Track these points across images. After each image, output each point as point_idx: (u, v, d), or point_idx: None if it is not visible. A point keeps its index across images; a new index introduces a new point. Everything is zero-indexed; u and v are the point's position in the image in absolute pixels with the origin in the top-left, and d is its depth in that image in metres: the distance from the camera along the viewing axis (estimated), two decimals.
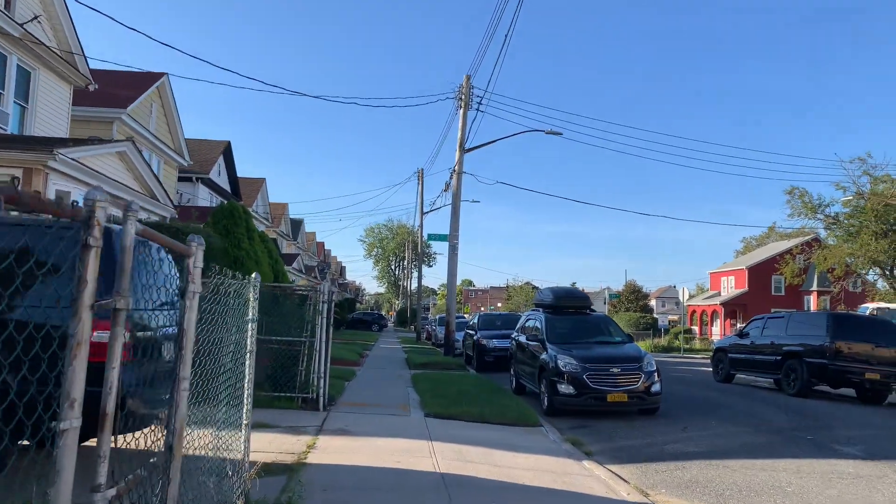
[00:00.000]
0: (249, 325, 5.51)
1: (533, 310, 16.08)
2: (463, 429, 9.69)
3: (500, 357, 21.23)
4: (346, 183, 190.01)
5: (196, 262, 3.11)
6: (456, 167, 23.30)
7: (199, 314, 5.79)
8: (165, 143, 25.02)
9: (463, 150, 23.23)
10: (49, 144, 11.98)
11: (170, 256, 6.35)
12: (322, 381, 10.39)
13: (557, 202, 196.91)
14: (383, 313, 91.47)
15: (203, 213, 22.73)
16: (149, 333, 5.77)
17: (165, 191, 17.85)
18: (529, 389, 14.96)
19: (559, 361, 12.37)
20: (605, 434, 10.56)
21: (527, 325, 15.50)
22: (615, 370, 12.09)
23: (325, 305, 10.53)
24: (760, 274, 63.67)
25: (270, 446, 7.61)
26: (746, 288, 63.87)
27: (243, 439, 5.40)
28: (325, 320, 10.50)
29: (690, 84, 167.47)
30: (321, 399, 10.34)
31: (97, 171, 13.60)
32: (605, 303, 68.07)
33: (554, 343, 13.27)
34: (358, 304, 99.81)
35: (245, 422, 5.46)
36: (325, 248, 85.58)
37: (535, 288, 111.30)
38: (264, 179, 43.15)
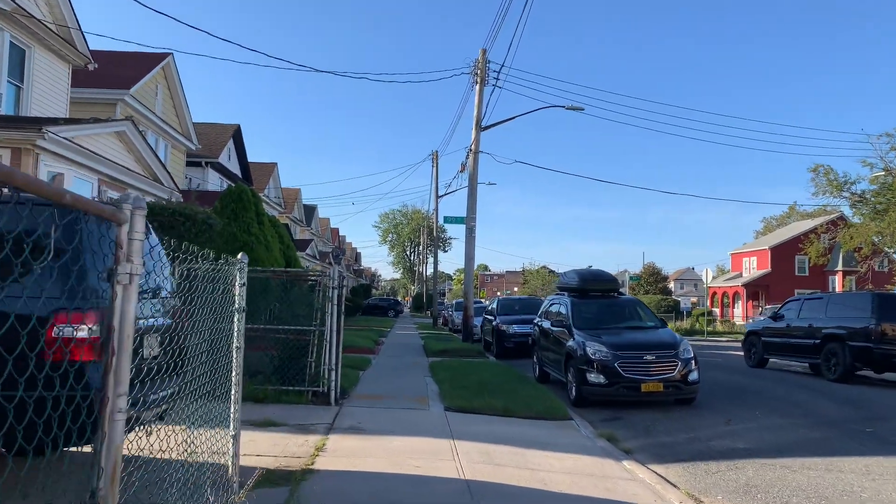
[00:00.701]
0: (235, 315, 4.67)
1: (556, 294, 15.19)
2: (487, 424, 8.86)
3: (521, 343, 20.40)
4: (359, 168, 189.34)
5: (133, 232, 2.22)
6: (472, 146, 22.35)
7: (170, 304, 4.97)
8: (172, 127, 24.28)
9: (479, 128, 22.26)
10: (39, 123, 11.21)
11: (159, 243, 5.55)
12: (333, 372, 9.59)
13: (573, 185, 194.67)
14: (399, 299, 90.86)
15: (212, 198, 21.97)
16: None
17: (170, 174, 17.10)
18: (554, 378, 14.12)
19: (588, 349, 11.49)
20: (641, 428, 9.69)
21: (550, 309, 14.62)
22: (649, 357, 11.20)
23: (336, 292, 9.71)
24: (783, 254, 62.18)
25: (275, 449, 6.82)
26: (769, 269, 62.45)
27: (231, 452, 4.59)
28: (335, 307, 9.68)
29: (712, 58, 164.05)
30: (332, 392, 9.56)
31: (94, 152, 12.84)
32: (625, 285, 66.97)
33: (581, 329, 12.39)
34: (374, 291, 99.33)
35: (233, 431, 4.64)
36: (340, 234, 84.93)
37: (551, 272, 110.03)
38: (276, 164, 42.41)
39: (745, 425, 9.74)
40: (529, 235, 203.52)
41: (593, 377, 11.25)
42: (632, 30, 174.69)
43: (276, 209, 42.85)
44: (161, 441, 3.94)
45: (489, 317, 22.98)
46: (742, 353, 20.01)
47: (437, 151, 42.72)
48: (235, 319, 4.72)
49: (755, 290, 63.67)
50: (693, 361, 11.45)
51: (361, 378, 12.81)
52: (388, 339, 26.91)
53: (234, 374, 4.68)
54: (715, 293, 68.01)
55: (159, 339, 5.71)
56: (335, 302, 9.68)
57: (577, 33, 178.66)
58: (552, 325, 13.43)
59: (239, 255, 4.85)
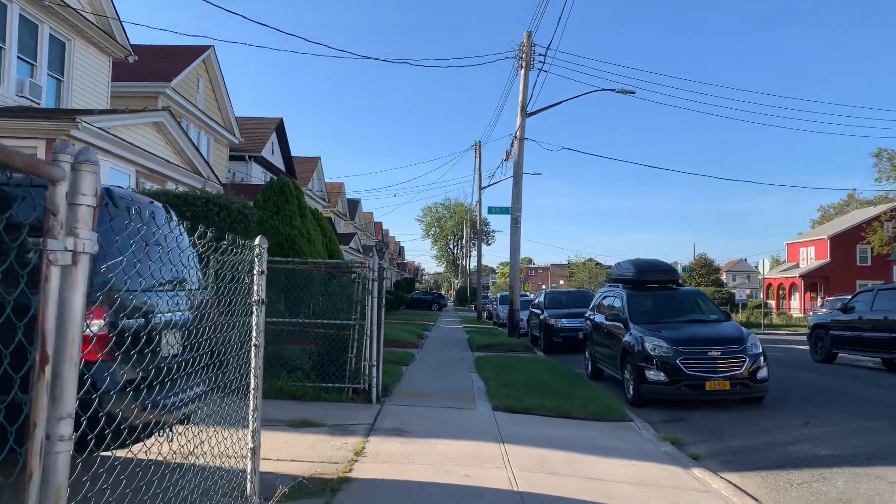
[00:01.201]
0: (254, 308, 4.11)
1: (609, 286, 14.38)
2: (540, 426, 8.18)
3: (570, 338, 19.66)
4: (401, 159, 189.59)
5: (77, 194, 1.56)
6: (517, 133, 21.58)
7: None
8: (214, 120, 24.15)
9: (525, 115, 21.48)
10: (73, 114, 10.94)
11: (181, 227, 5.04)
12: (374, 369, 9.04)
13: (618, 175, 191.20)
14: (443, 293, 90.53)
15: (255, 192, 21.74)
16: (139, 321, 4.47)
17: (210, 165, 16.83)
18: (608, 375, 13.35)
19: (646, 344, 10.70)
20: (707, 430, 8.88)
21: (603, 302, 13.82)
22: (714, 353, 10.34)
23: (376, 284, 9.15)
24: (844, 243, 59.55)
25: (310, 452, 6.29)
26: (828, 259, 59.86)
27: (249, 468, 4.03)
28: (375, 300, 9.12)
29: (774, 39, 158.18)
30: (374, 390, 9.01)
31: (131, 143, 12.56)
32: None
33: (638, 323, 11.60)
34: (417, 284, 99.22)
35: (251, 443, 4.09)
36: (384, 228, 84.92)
37: (598, 264, 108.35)
38: (319, 158, 42.25)
39: (826, 428, 8.84)
40: (574, 227, 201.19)
41: (652, 375, 10.47)
42: (685, 8, 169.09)
43: (320, 203, 42.77)
44: (176, 449, 3.41)
45: (536, 310, 22.23)
46: (806, 348, 18.85)
47: (479, 142, 41.99)
48: (254, 313, 4.15)
49: (813, 281, 61.18)
50: (762, 357, 10.57)
51: (404, 374, 12.26)
52: (431, 333, 26.39)
53: (252, 377, 4.11)
54: (770, 284, 65.57)
55: (180, 335, 5.22)
56: (375, 295, 9.12)
57: (627, 13, 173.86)
58: (606, 319, 12.64)
59: (257, 240, 4.28)
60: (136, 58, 17.31)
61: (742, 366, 10.31)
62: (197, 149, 15.76)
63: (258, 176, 30.51)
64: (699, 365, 10.27)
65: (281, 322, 9.19)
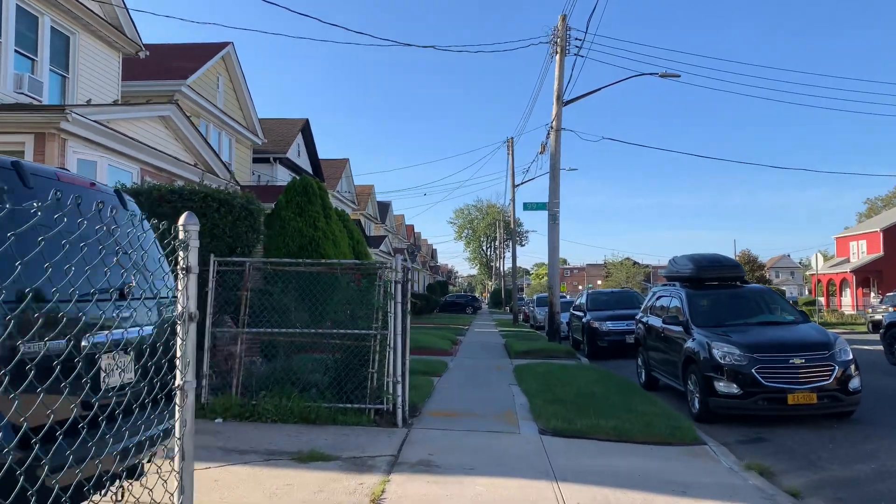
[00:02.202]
0: (179, 327, 2.82)
1: (664, 285, 12.89)
2: (599, 455, 6.80)
3: (616, 342, 18.19)
4: (431, 156, 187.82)
5: None
6: (553, 123, 20.16)
7: None
8: (235, 120, 23.21)
9: (561, 103, 20.05)
10: (65, 106, 9.92)
11: (144, 222, 3.82)
12: (399, 386, 7.76)
13: (653, 170, 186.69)
14: (477, 295, 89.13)
15: (279, 193, 20.71)
16: (57, 342, 3.25)
17: (226, 165, 15.79)
18: (663, 383, 11.90)
19: (715, 351, 9.23)
20: (798, 454, 7.41)
21: (658, 304, 12.35)
22: (797, 361, 8.83)
23: (399, 286, 7.87)
24: None
25: (316, 499, 5.02)
26: (882, 252, 56.84)
27: None
28: (399, 306, 7.85)
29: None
30: (399, 411, 7.72)
31: (133, 139, 11.52)
32: None
33: (702, 326, 10.13)
34: (451, 287, 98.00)
35: None
36: (415, 231, 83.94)
37: (635, 263, 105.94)
38: (347, 160, 41.28)
39: None
40: (609, 226, 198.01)
41: (723, 386, 9.00)
42: None
43: (349, 206, 41.83)
44: None
45: (578, 313, 20.74)
46: (872, 348, 17.13)
47: (512, 138, 40.54)
48: (178, 334, 2.85)
49: (865, 276, 58.27)
50: (853, 365, 9.04)
51: (436, 387, 10.95)
52: (465, 337, 25.08)
53: (176, 441, 2.82)
54: (819, 280, 62.66)
55: (134, 356, 3.98)
56: (399, 299, 7.84)
57: None
58: (663, 322, 11.17)
59: (182, 218, 2.97)
60: (147, 53, 16.38)
61: (830, 375, 8.79)
62: (210, 146, 14.73)
63: (284, 178, 29.55)
64: (779, 375, 8.77)
65: (291, 333, 7.97)
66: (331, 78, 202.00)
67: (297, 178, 20.61)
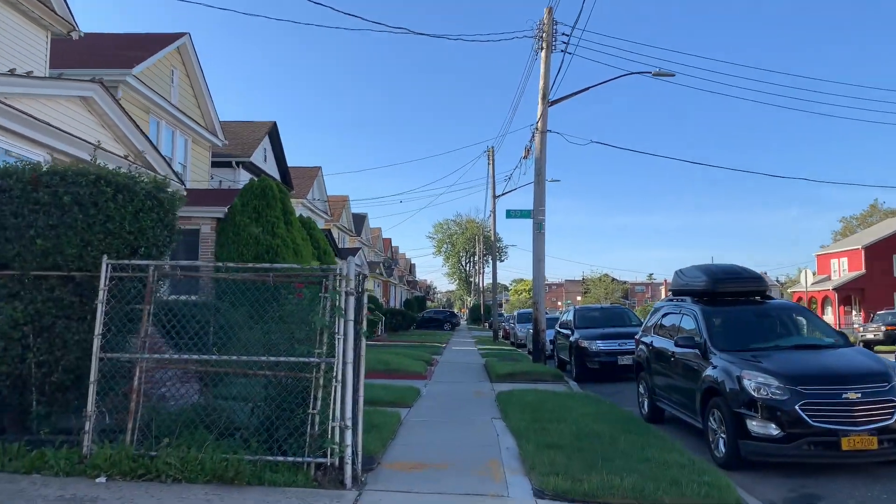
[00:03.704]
0: None
1: (669, 299, 11.13)
2: None
3: (607, 363, 16.46)
4: (407, 167, 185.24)
5: None
6: (538, 124, 18.45)
7: None
8: (193, 119, 21.21)
9: (547, 102, 18.36)
10: None
11: None
12: (348, 432, 5.85)
13: (632, 189, 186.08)
14: (455, 311, 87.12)
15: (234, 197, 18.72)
16: None
17: (167, 160, 13.80)
18: (669, 414, 10.14)
19: (746, 382, 7.46)
20: None
21: (664, 322, 10.59)
22: (852, 396, 7.09)
23: (352, 299, 5.99)
24: (879, 254, 55.82)
25: None
26: (863, 270, 56.05)
27: None
28: (351, 325, 5.96)
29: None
30: (348, 466, 5.80)
31: (44, 122, 9.53)
32: None
33: (724, 350, 8.38)
34: (429, 303, 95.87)
35: None
36: (393, 244, 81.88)
37: (614, 280, 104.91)
38: (320, 168, 39.27)
39: None
40: (587, 243, 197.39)
41: (758, 426, 7.22)
42: None
43: (322, 216, 39.84)
44: None
45: (564, 330, 18.94)
46: None
47: (492, 148, 38.93)
48: None
49: (847, 294, 57.49)
50: None
51: (403, 423, 9.02)
52: (443, 356, 23.14)
53: None
54: (800, 298, 61.71)
55: None
56: (350, 316, 5.95)
57: None
58: (675, 344, 9.37)
59: None
60: (82, 34, 14.42)
61: (893, 413, 7.05)
62: (148, 138, 12.73)
63: None
64: (830, 413, 7.02)
65: (205, 361, 6.04)
66: (298, 81, 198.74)
67: (252, 176, 18.73)
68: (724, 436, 7.68)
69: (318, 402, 5.92)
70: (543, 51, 18.40)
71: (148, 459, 5.75)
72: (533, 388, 13.15)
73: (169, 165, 13.70)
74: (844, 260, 60.34)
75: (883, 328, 31.57)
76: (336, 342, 5.93)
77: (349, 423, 5.87)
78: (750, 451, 7.29)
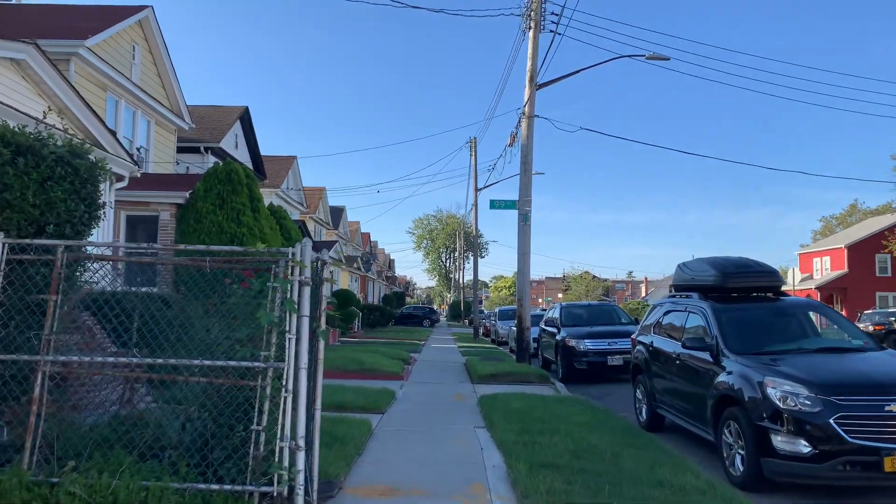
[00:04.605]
0: None
1: (672, 296, 10.12)
2: None
3: (596, 363, 15.45)
4: (388, 161, 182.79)
5: None
6: (525, 109, 17.38)
7: None
8: (156, 100, 19.83)
9: (534, 85, 17.29)
10: None
11: None
12: (301, 454, 4.71)
13: (611, 188, 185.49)
14: (435, 307, 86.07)
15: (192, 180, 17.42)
16: None
17: (114, 135, 12.49)
18: (670, 422, 9.18)
19: (770, 390, 6.45)
20: None
21: (666, 320, 9.57)
22: (894, 407, 6.09)
23: (307, 290, 4.85)
24: (862, 253, 55.70)
25: None
26: (846, 269, 55.90)
27: None
28: (305, 322, 4.82)
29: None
30: (300, 495, 4.67)
31: None
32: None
33: (740, 353, 7.37)
34: (408, 299, 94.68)
35: None
36: (372, 239, 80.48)
37: (595, 277, 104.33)
38: (295, 157, 37.88)
39: None
40: (566, 240, 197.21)
41: (784, 442, 6.21)
42: None
43: (298, 208, 38.48)
44: None
45: (550, 328, 17.92)
46: None
47: (475, 138, 37.82)
48: None
49: (829, 293, 57.26)
50: None
51: (373, 434, 7.89)
52: (421, 354, 22.04)
53: None
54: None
55: None
56: (305, 311, 4.81)
57: None
58: (682, 345, 8.34)
59: None
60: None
61: None
62: (94, 112, 11.42)
63: None
64: (871, 427, 6.02)
65: (123, 364, 4.88)
66: (271, 60, 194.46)
67: (220, 163, 17.47)
68: (742, 452, 6.67)
69: (265, 417, 4.78)
70: (532, 30, 17.32)
71: (47, 488, 4.58)
72: (518, 390, 12.09)
73: (121, 144, 12.39)
74: (827, 259, 60.21)
75: (871, 327, 31.07)
76: (287, 343, 4.79)
77: (302, 442, 4.74)
78: (774, 470, 6.29)
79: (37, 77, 10.01)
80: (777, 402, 6.36)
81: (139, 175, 13.24)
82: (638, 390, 10.16)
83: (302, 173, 39.80)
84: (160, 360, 4.80)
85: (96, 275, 5.04)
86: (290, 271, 4.91)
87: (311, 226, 39.25)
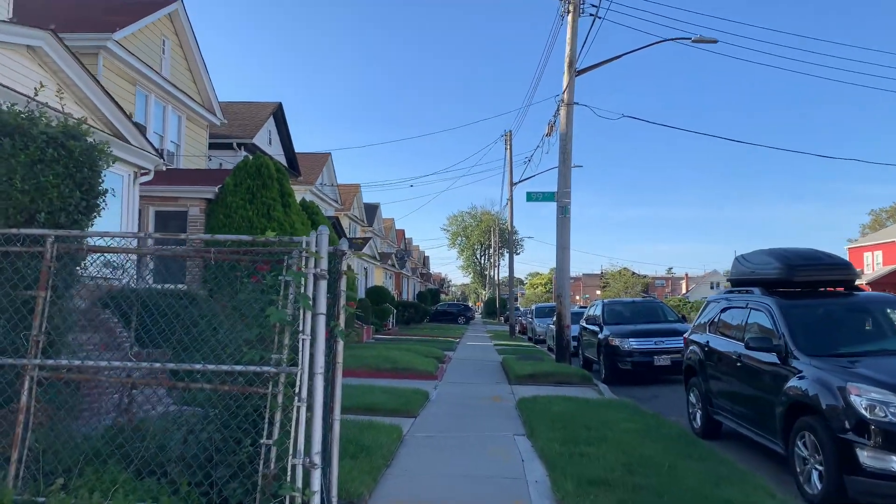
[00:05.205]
0: None
1: (728, 291, 9.28)
2: None
3: (641, 364, 14.61)
4: (422, 156, 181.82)
5: None
6: (564, 96, 16.59)
7: None
8: (187, 95, 19.56)
9: (573, 72, 16.49)
10: None
11: None
12: (316, 472, 4.10)
13: (649, 183, 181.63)
14: (470, 304, 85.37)
15: (221, 175, 17.06)
16: None
17: (140, 128, 12.10)
18: (728, 428, 8.37)
19: (854, 398, 5.65)
20: None
21: (724, 318, 8.74)
22: None
23: (323, 285, 4.24)
24: None
25: None
26: None
27: None
28: (321, 321, 4.21)
29: None
30: None
31: None
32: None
33: (813, 354, 6.55)
34: (443, 296, 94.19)
35: None
36: (406, 236, 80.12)
37: (634, 274, 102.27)
38: (329, 154, 37.53)
39: None
40: (603, 236, 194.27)
41: (872, 458, 5.43)
42: None
43: (332, 205, 38.21)
44: None
45: (591, 326, 17.11)
46: None
47: (510, 132, 36.99)
48: None
49: (881, 288, 54.77)
50: None
51: (403, 443, 7.27)
52: (456, 353, 21.42)
53: None
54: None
55: None
56: (321, 309, 4.20)
57: None
58: (746, 345, 7.52)
59: None
60: None
61: None
62: (116, 103, 11.03)
63: None
64: None
65: (118, 368, 4.33)
66: (308, 65, 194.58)
67: (250, 157, 17.07)
68: (819, 467, 5.87)
69: (276, 429, 4.18)
70: (570, 14, 16.52)
71: None
72: (559, 392, 11.36)
73: (145, 137, 12.00)
74: (879, 253, 57.97)
75: None
76: (300, 345, 4.18)
77: (317, 458, 4.13)
78: (861, 489, 5.48)
79: (54, 65, 9.63)
80: (863, 412, 5.54)
81: (164, 168, 12.85)
82: (692, 394, 9.34)
83: (337, 171, 39.53)
84: (157, 365, 4.24)
85: (87, 269, 4.50)
86: (304, 263, 4.30)
87: (345, 223, 38.95)
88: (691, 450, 7.08)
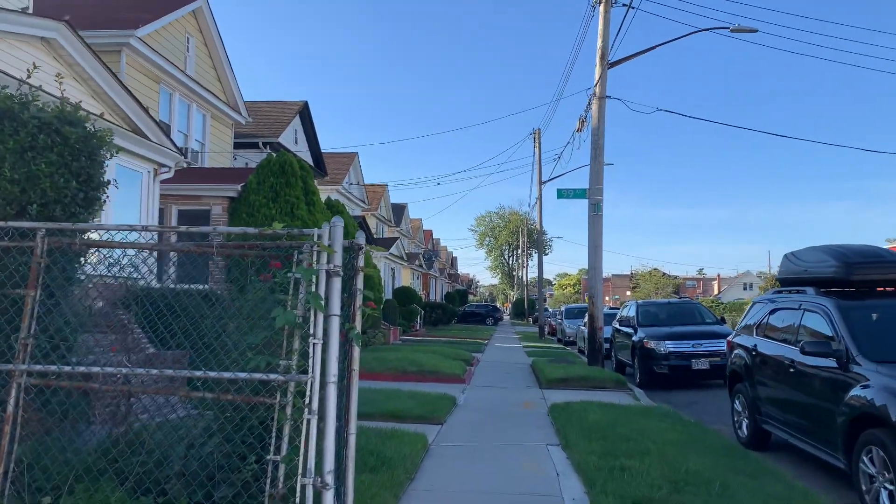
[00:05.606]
0: None
1: (777, 291, 8.64)
2: None
3: (678, 367, 13.95)
4: (449, 154, 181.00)
5: None
6: (596, 89, 15.99)
7: None
8: (212, 93, 19.37)
9: (605, 64, 15.89)
10: None
11: None
12: (330, 493, 3.65)
13: (679, 182, 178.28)
14: (498, 305, 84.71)
15: (243, 174, 16.79)
16: None
17: (160, 124, 11.82)
18: (778, 439, 7.76)
19: None
20: None
21: (773, 320, 8.12)
22: None
23: (338, 282, 3.79)
24: None
25: None
26: None
27: None
28: (334, 322, 3.75)
29: None
30: None
31: None
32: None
33: (879, 361, 5.95)
34: (471, 297, 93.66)
35: None
36: (434, 237, 79.78)
37: (664, 274, 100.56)
38: (356, 154, 37.28)
39: None
40: (632, 236, 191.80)
41: None
42: None
43: (360, 205, 37.98)
44: None
45: (625, 328, 16.47)
46: None
47: (538, 129, 36.37)
48: None
49: None
50: None
51: (429, 453, 6.79)
52: (484, 355, 20.90)
53: None
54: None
55: None
56: (334, 310, 3.75)
57: None
58: (801, 350, 6.90)
59: None
60: None
61: None
62: (131, 94, 10.74)
63: None
64: None
65: (113, 375, 3.93)
66: (333, 66, 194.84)
67: (274, 154, 16.77)
68: (890, 486, 5.26)
69: (284, 444, 3.74)
70: (602, 4, 15.93)
71: None
72: (593, 398, 10.81)
73: (165, 134, 11.73)
74: None
75: None
76: (311, 350, 3.74)
77: (330, 478, 3.67)
78: None
79: (69, 58, 9.36)
80: None
81: (185, 166, 12.58)
82: (737, 401, 8.73)
83: (364, 171, 39.30)
84: (154, 372, 3.82)
85: (84, 266, 4.11)
86: (315, 258, 3.86)
87: (372, 223, 38.69)
88: (742, 464, 6.50)
